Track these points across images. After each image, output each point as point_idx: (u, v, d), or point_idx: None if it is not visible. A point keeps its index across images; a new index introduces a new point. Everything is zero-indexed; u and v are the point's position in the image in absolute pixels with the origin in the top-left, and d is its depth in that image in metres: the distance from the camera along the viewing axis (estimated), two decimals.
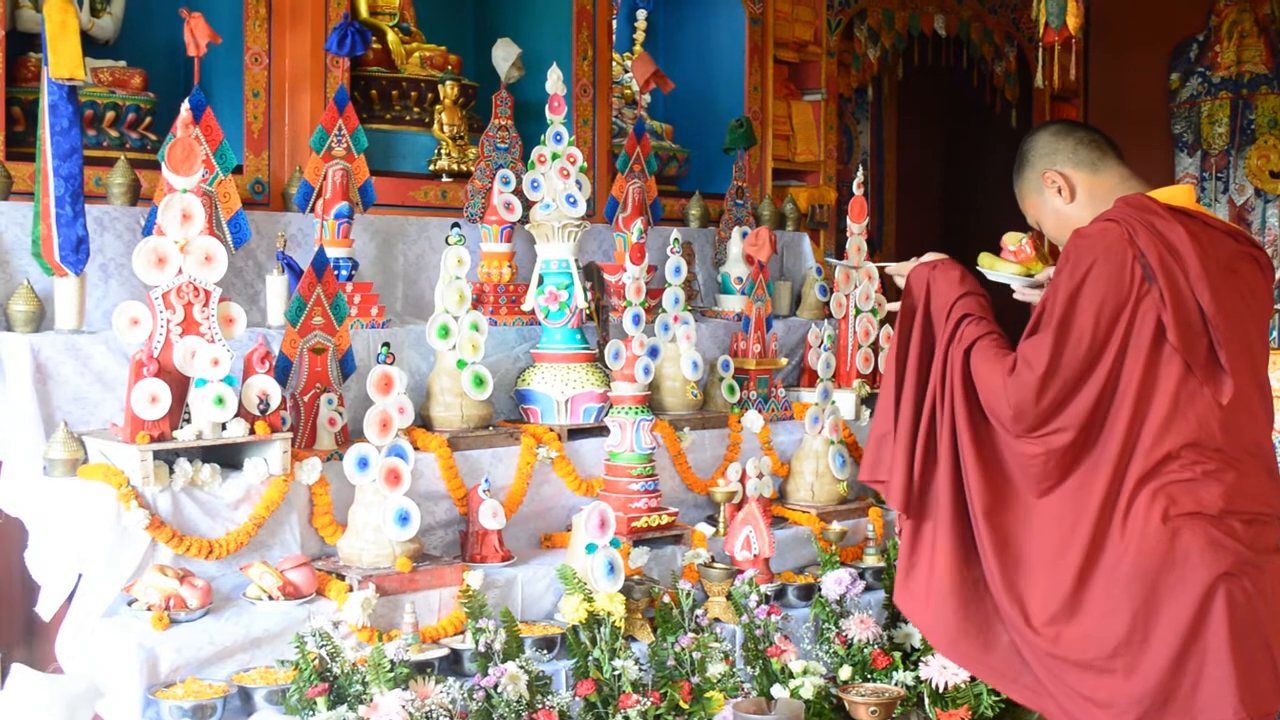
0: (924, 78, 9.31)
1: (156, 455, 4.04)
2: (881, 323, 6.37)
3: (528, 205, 5.49)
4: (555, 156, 5.45)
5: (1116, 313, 3.24)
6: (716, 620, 4.74)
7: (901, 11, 8.30)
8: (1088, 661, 3.33)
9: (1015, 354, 3.38)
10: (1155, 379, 3.24)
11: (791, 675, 4.59)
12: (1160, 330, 3.22)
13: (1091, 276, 3.26)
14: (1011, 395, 3.34)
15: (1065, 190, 3.52)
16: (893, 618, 5.11)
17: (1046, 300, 3.35)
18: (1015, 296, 3.83)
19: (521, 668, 4.03)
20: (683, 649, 4.40)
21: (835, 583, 4.92)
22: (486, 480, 4.70)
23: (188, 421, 4.16)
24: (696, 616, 4.55)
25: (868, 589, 5.11)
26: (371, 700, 3.72)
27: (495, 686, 3.94)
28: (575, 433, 5.22)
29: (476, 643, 4.12)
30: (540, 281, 5.39)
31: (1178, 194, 3.40)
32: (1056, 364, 3.28)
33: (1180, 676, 3.24)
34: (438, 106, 5.90)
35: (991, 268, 3.81)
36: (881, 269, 4.16)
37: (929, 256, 3.74)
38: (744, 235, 6.36)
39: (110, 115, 5.07)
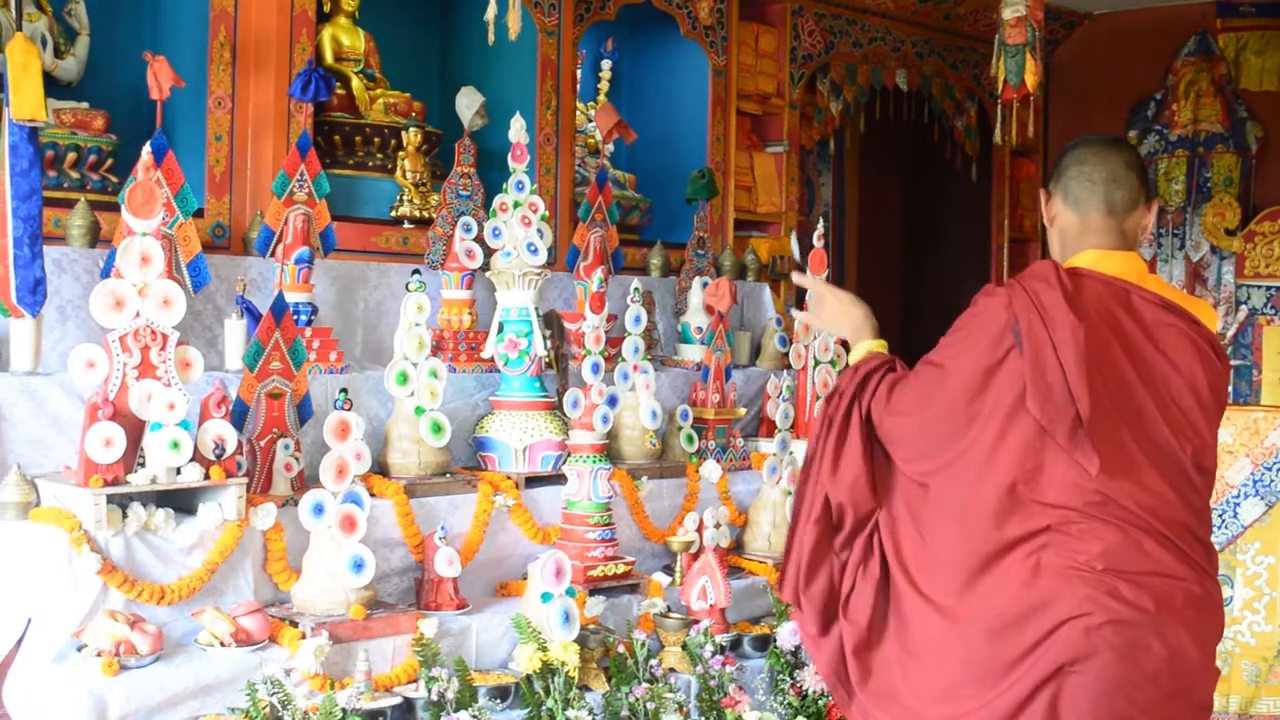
0: (886, 131, 9.39)
1: (110, 499, 4.01)
2: (840, 374, 6.39)
3: (489, 253, 5.51)
4: (517, 204, 5.47)
5: (983, 373, 3.23)
6: (671, 670, 4.73)
7: (864, 66, 8.39)
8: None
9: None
10: (1023, 441, 3.18)
11: None
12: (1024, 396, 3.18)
13: (965, 334, 3.31)
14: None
15: (1046, 213, 3.46)
16: None
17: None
18: None
19: (474, 717, 4.01)
20: (637, 699, 4.39)
21: (791, 633, 4.93)
22: (443, 528, 4.69)
23: (142, 465, 4.13)
24: (651, 666, 4.54)
25: None
26: None
27: None
28: (533, 481, 5.21)
29: (429, 691, 4.10)
30: (500, 329, 5.40)
31: (1108, 260, 3.33)
32: (918, 402, 3.36)
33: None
34: (401, 153, 5.92)
35: None
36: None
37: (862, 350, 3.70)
38: (705, 285, 6.38)
39: (71, 157, 5.06)
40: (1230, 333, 8.61)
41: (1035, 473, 3.17)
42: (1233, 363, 8.53)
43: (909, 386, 3.41)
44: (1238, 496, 5.90)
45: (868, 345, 3.63)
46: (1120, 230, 3.35)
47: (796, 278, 4.00)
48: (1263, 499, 5.93)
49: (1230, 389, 8.26)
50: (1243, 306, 9.07)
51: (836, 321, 3.76)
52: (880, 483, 3.48)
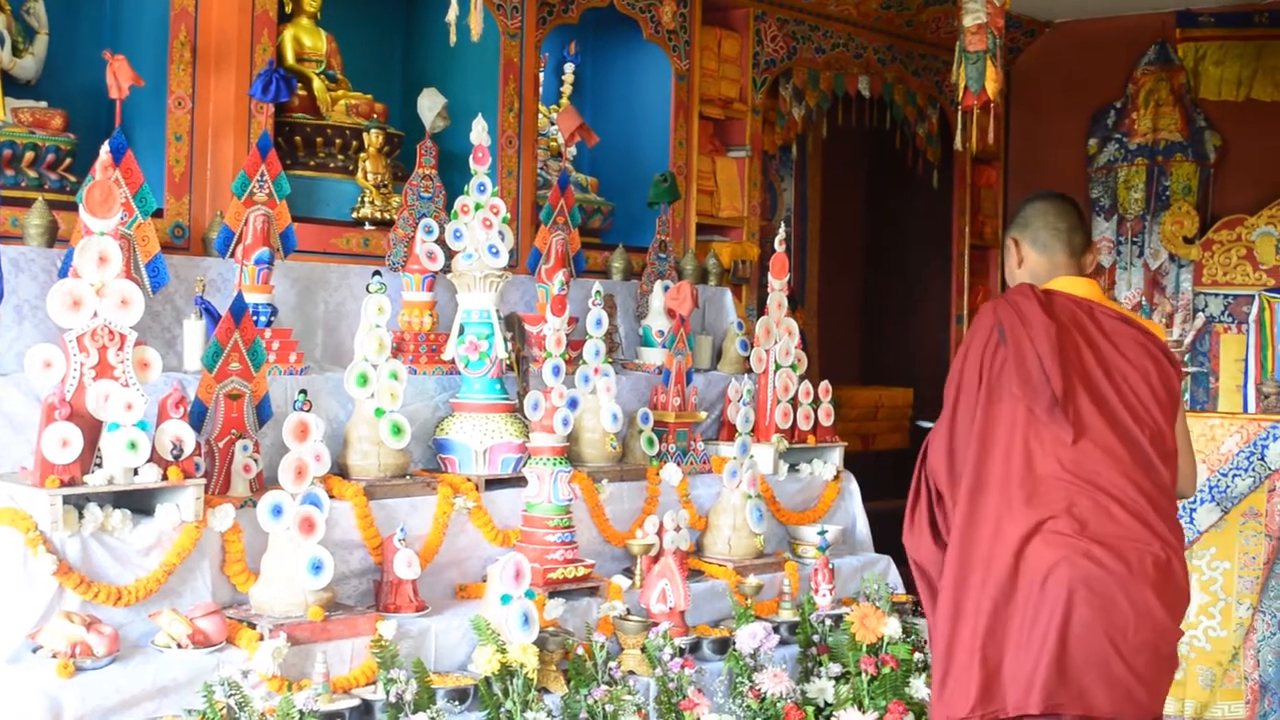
0: (848, 137, 9.43)
1: (66, 500, 3.99)
2: (801, 378, 6.41)
3: (450, 255, 5.50)
4: (479, 207, 5.47)
5: (979, 364, 3.86)
6: (631, 673, 4.73)
7: (826, 72, 8.41)
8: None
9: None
10: (1013, 419, 3.76)
11: None
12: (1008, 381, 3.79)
13: (963, 347, 3.98)
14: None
15: (1014, 257, 4.10)
16: (806, 672, 5.13)
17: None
18: None
19: (433, 719, 4.00)
20: (595, 701, 4.39)
21: (750, 637, 4.94)
22: (402, 529, 4.68)
23: (99, 466, 4.11)
24: (610, 669, 4.54)
25: (782, 643, 5.13)
26: None
27: None
28: (493, 483, 5.21)
29: (388, 693, 4.09)
30: (461, 331, 5.39)
31: (1074, 284, 3.98)
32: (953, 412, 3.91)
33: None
34: (362, 154, 5.90)
35: None
36: None
37: None
38: (666, 289, 6.39)
39: (29, 156, 5.02)
40: (1188, 340, 8.67)
41: (1024, 449, 3.72)
42: (1190, 370, 8.59)
43: (941, 413, 3.96)
44: (1194, 502, 5.94)
45: None
46: (1079, 266, 4.05)
47: None
48: (1218, 505, 5.98)
49: (1187, 395, 8.34)
50: (1200, 314, 9.14)
51: None
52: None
